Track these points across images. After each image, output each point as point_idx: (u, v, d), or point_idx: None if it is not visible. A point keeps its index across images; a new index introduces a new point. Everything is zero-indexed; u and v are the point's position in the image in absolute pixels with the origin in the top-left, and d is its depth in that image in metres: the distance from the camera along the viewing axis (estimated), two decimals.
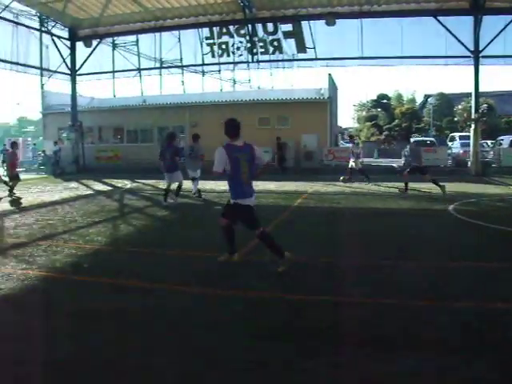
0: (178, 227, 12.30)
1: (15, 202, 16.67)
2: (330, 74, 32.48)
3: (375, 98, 78.04)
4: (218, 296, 6.48)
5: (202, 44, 30.54)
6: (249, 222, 7.54)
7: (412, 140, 25.38)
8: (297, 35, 28.35)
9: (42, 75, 35.29)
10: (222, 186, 14.33)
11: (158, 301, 6.32)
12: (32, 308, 6.24)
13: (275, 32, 28.89)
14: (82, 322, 5.62)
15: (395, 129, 63.89)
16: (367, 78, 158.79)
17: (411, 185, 17.64)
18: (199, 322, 5.58)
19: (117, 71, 38.09)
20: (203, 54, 30.75)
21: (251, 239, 8.22)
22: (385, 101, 75.95)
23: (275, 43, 29.00)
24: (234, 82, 46.53)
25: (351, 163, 21.16)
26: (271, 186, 19.42)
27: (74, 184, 22.98)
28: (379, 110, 74.41)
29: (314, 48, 28.29)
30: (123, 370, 4.48)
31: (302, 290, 6.57)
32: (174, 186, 15.36)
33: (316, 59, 28.75)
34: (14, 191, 18.03)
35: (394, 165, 29.17)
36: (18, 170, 19.04)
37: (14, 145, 19.79)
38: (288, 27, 28.57)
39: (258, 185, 19.12)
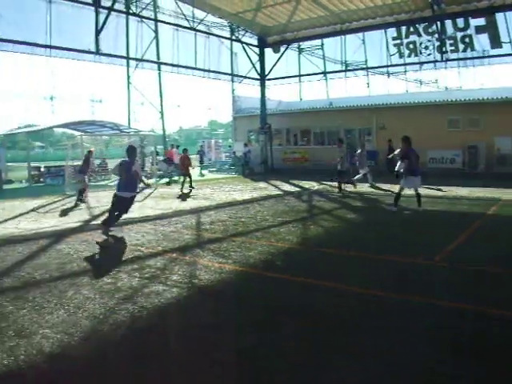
0: (368, 229, 12.21)
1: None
2: None
3: None
4: (410, 302, 6.36)
5: (387, 45, 29.95)
6: None
7: None
8: (490, 29, 26.55)
9: (232, 81, 37.13)
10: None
11: (341, 301, 6.38)
12: (226, 299, 6.65)
13: (466, 28, 27.36)
14: (270, 316, 5.87)
15: None
16: None
17: None
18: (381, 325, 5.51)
19: (303, 75, 38.81)
20: (390, 55, 30.12)
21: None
22: None
23: (466, 39, 27.44)
24: (421, 82, 45.05)
25: None
26: (463, 191, 18.45)
27: (262, 184, 23.82)
28: None
29: (511, 42, 26.33)
30: (299, 365, 4.57)
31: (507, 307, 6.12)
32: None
33: None
34: (193, 185, 21.64)
35: None
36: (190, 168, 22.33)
37: (186, 151, 22.77)
38: (480, 21, 26.89)
39: (448, 190, 18.46)
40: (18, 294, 6.78)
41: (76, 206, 16.76)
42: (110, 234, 10.65)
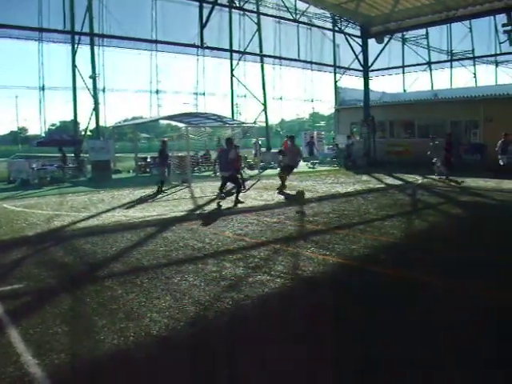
0: (473, 227, 11.68)
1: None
2: None
3: None
4: None
5: (497, 32, 28.44)
6: None
7: None
8: None
9: (335, 72, 36.79)
10: None
11: (436, 298, 6.13)
12: (330, 291, 6.53)
13: None
14: (373, 311, 5.70)
15: None
16: None
17: None
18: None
19: (407, 66, 37.92)
20: (500, 43, 28.66)
21: None
22: None
23: None
24: None
25: None
26: None
27: (365, 177, 23.39)
28: None
29: None
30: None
31: None
32: None
33: None
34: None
35: None
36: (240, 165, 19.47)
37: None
38: None
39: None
40: (127, 279, 7.02)
41: (157, 194, 17.54)
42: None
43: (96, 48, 30.00)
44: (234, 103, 37.63)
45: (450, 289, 6.43)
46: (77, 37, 28.96)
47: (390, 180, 22.14)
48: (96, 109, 29.94)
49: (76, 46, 29.36)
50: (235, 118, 32.41)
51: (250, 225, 11.14)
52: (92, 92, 29.84)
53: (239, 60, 35.43)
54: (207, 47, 24.58)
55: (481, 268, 7.37)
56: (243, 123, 30.98)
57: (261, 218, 12.02)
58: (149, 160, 28.84)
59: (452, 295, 6.23)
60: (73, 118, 31.42)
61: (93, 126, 31.30)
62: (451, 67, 41.01)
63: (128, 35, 24.23)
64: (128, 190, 19.01)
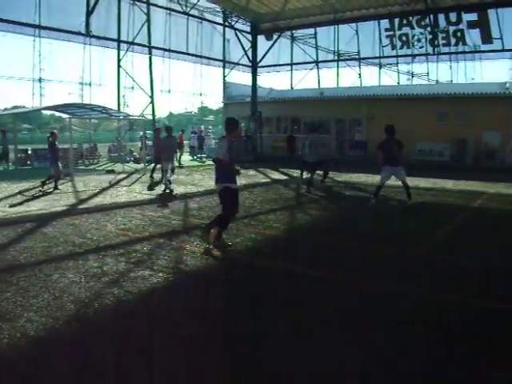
0: (354, 219, 12.29)
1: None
2: None
3: None
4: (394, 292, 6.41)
5: (380, 36, 29.94)
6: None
7: None
8: (482, 25, 26.55)
9: (224, 67, 36.95)
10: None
11: (329, 290, 6.42)
12: (213, 285, 6.68)
13: (458, 22, 27.37)
14: (257, 302, 5.89)
15: None
16: None
17: None
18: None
19: (295, 63, 38.84)
20: (382, 46, 30.18)
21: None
22: None
23: (458, 34, 27.52)
24: (412, 75, 45.16)
25: None
26: (449, 184, 18.55)
27: (252, 172, 23.74)
28: None
29: (502, 38, 26.34)
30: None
31: (485, 296, 6.24)
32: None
33: (503, 50, 26.89)
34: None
35: None
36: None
37: (158, 131, 21.96)
38: (473, 16, 26.90)
39: (435, 182, 18.57)
40: (1, 277, 6.71)
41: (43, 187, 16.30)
42: None
43: None
44: (121, 95, 36.85)
45: (324, 278, 6.80)
46: None
47: (276, 175, 22.70)
48: None
49: None
50: (122, 111, 31.66)
51: (133, 219, 11.01)
52: None
53: (127, 51, 34.69)
54: (93, 36, 23.90)
55: (352, 258, 7.90)
56: (129, 115, 30.40)
57: (145, 213, 11.91)
58: (30, 152, 27.53)
59: (323, 282, 6.62)
60: None
61: None
62: (338, 67, 42.47)
63: (8, 18, 22.91)
64: (5, 183, 17.96)
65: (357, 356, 4.50)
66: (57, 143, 16.87)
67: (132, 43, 29.89)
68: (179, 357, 4.50)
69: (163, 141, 17.11)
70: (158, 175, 19.06)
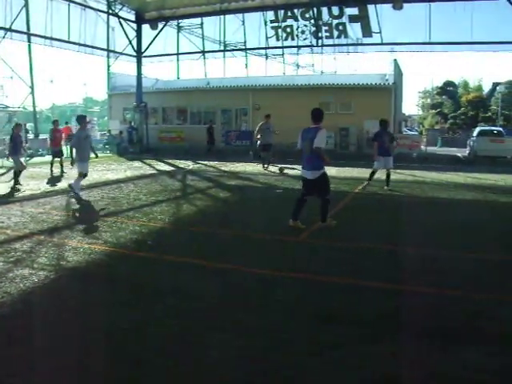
0: (239, 209, 12.57)
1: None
2: (395, 60, 31.68)
3: (441, 85, 75.94)
4: (276, 277, 6.65)
5: (266, 27, 30.43)
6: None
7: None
8: (363, 19, 27.71)
9: (108, 57, 36.05)
10: None
11: (214, 279, 6.55)
12: (96, 280, 6.59)
13: (341, 16, 28.35)
14: (142, 296, 5.91)
15: (461, 117, 62.47)
16: (433, 65, 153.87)
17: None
18: (256, 301, 5.78)
19: (181, 53, 38.54)
20: (267, 37, 30.63)
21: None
22: (451, 88, 73.83)
23: (340, 27, 28.49)
24: (298, 66, 46.42)
25: None
26: (333, 171, 19.34)
27: (137, 163, 23.51)
28: (444, 97, 72.66)
29: (380, 33, 27.54)
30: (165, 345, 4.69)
31: (364, 277, 6.60)
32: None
33: (382, 44, 28.15)
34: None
35: (458, 154, 28.61)
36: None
37: (56, 122, 20.54)
38: (354, 11, 28.02)
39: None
40: None
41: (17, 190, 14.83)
42: None
43: None
44: None
45: (209, 267, 6.94)
46: None
47: (161, 166, 22.61)
48: None
49: None
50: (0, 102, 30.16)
51: (12, 216, 10.57)
52: None
53: (3, 37, 32.90)
54: None
55: (243, 248, 8.07)
56: (8, 107, 28.99)
57: (25, 209, 11.49)
58: None
59: (205, 270, 6.80)
60: None
61: None
62: (224, 57, 42.74)
63: None
64: None
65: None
66: (21, 134, 16.35)
67: (9, 30, 28.34)
68: (60, 356, 4.44)
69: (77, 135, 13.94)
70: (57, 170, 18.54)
